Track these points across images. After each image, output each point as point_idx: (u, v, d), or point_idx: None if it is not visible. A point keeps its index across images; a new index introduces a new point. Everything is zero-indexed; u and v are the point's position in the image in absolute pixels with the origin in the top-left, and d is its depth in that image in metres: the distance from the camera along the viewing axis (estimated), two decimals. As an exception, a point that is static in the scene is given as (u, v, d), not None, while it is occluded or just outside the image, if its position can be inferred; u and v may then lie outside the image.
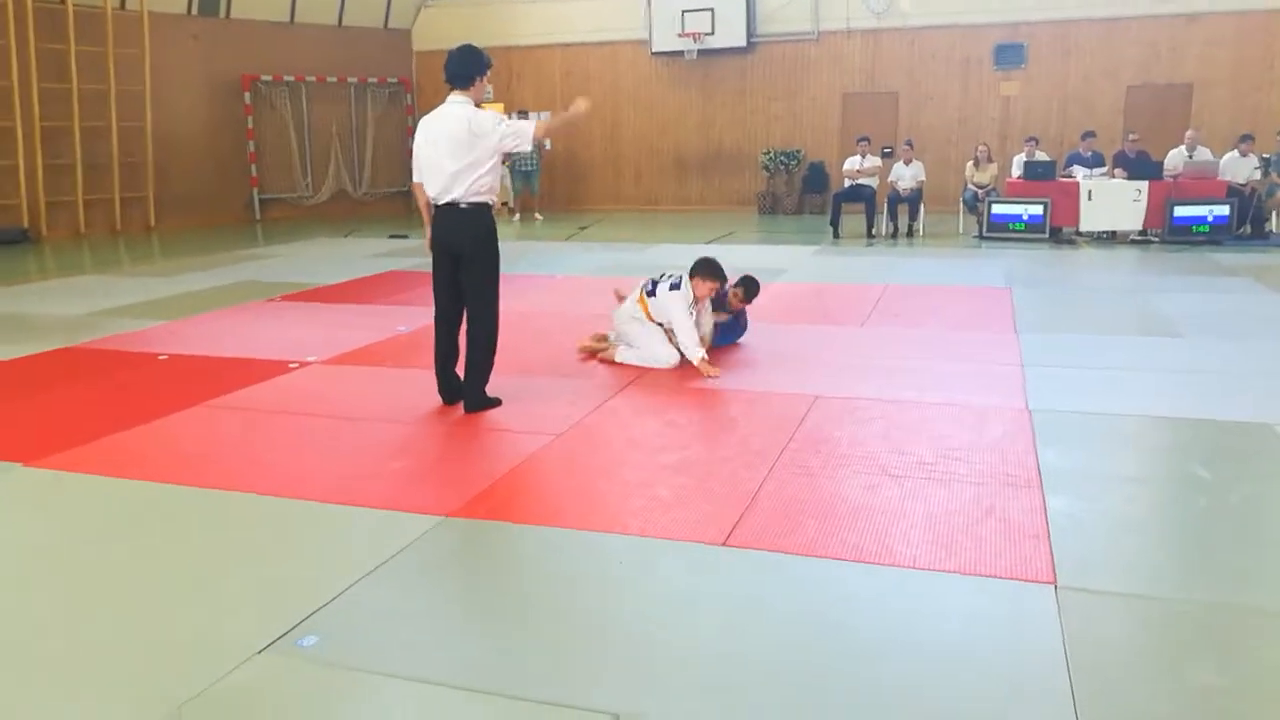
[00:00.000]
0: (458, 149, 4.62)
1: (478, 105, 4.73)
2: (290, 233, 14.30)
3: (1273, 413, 4.65)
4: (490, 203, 4.79)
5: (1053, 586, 2.95)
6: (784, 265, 9.95)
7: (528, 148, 4.74)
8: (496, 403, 4.94)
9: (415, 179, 4.86)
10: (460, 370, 4.97)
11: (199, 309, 7.92)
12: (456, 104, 4.68)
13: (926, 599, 2.91)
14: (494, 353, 4.92)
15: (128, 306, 8.07)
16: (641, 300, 5.82)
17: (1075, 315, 7.26)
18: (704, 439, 4.52)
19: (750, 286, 6.29)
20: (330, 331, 6.92)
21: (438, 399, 5.00)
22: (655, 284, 5.82)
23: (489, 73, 4.81)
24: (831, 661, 2.59)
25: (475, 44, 4.83)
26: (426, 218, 4.85)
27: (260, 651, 2.64)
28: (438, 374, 5.00)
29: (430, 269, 4.96)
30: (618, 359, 5.81)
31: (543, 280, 9.18)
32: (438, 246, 4.83)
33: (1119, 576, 3.07)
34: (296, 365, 5.93)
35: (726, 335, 6.26)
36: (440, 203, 4.72)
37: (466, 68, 4.71)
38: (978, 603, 2.89)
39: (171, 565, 3.25)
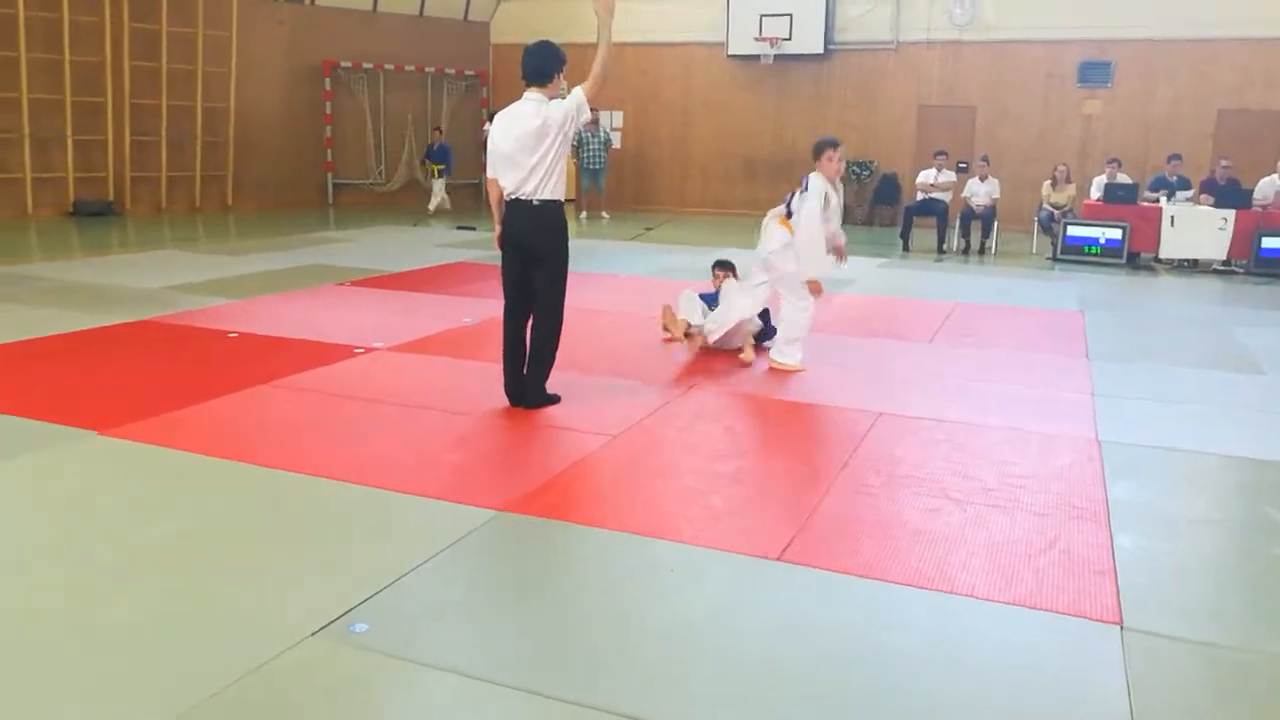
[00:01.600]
0: (533, 143, 4.61)
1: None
2: (361, 218, 14.52)
3: (1359, 459, 4.45)
4: (561, 200, 4.79)
5: (1118, 627, 2.85)
6: (852, 277, 9.81)
7: (588, 114, 4.77)
8: (556, 399, 4.94)
9: (489, 174, 4.86)
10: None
11: (270, 289, 8.08)
12: (533, 100, 4.67)
13: (982, 630, 2.84)
14: (556, 350, 4.92)
15: (203, 283, 8.27)
16: (784, 222, 5.89)
17: (1151, 344, 7.04)
18: (763, 449, 4.47)
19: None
20: (397, 318, 7.00)
21: (499, 391, 4.98)
22: (788, 205, 5.91)
23: (565, 69, 4.78)
24: (876, 687, 2.53)
25: (552, 39, 4.81)
26: (498, 214, 4.83)
27: (312, 635, 2.68)
28: (506, 372, 4.95)
29: (498, 263, 4.97)
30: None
31: (607, 279, 9.18)
32: (509, 242, 4.82)
33: (1187, 621, 2.95)
34: (362, 350, 6.01)
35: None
36: (513, 198, 4.72)
37: (544, 63, 4.69)
38: (1037, 638, 2.80)
39: (229, 542, 3.31)
